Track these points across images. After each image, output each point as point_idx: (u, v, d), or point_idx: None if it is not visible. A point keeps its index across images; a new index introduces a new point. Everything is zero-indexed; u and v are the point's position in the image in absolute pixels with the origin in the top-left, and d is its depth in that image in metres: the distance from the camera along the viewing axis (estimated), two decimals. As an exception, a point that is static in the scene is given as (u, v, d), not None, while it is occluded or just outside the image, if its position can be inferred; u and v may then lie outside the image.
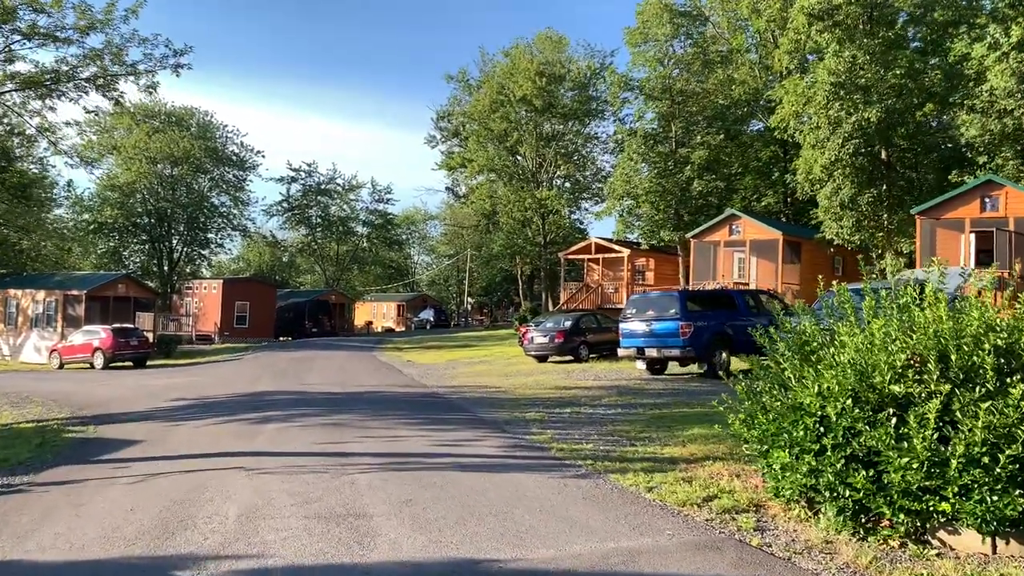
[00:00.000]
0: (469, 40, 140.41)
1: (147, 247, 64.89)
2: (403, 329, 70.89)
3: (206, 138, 63.73)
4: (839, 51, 25.61)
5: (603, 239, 40.94)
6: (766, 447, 6.95)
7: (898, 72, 26.78)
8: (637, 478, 8.46)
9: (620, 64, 43.13)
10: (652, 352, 18.98)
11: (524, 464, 9.51)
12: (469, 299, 77.68)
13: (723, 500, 7.39)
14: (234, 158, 65.76)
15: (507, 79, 42.79)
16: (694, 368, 20.20)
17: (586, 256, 41.34)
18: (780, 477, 6.74)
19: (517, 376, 21.51)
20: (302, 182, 69.56)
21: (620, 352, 19.85)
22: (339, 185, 71.50)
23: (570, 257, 42.66)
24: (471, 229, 70.14)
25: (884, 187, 27.56)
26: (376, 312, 78.65)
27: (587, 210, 49.49)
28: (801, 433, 6.44)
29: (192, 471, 9.58)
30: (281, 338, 52.67)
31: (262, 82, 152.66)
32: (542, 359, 25.39)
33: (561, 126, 44.50)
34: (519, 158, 45.48)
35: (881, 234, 28.14)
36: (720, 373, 18.73)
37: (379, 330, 71.05)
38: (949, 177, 28.44)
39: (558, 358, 25.23)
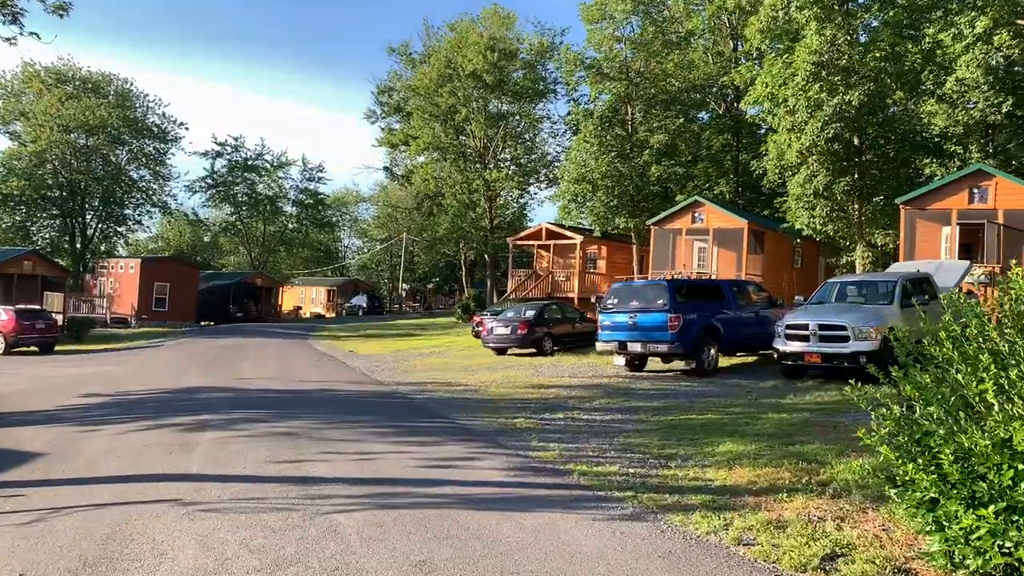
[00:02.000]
0: (408, 16, 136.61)
1: (58, 222, 60.27)
2: (334, 315, 67.86)
3: (125, 107, 59.43)
4: (821, 28, 24.15)
5: (555, 224, 39.01)
6: (932, 496, 4.99)
7: (877, 55, 25.56)
8: (709, 521, 6.49)
9: (573, 43, 41.21)
10: (636, 347, 17.10)
11: (548, 497, 7.45)
12: (404, 285, 74.97)
13: (856, 563, 5.43)
14: (155, 129, 61.60)
15: (455, 53, 40.36)
16: (676, 365, 18.41)
17: (536, 242, 39.36)
18: (960, 541, 4.81)
19: (481, 371, 19.40)
20: (228, 157, 65.75)
21: (599, 346, 17.91)
22: (267, 162, 67.91)
23: (519, 243, 40.62)
24: (409, 212, 67.46)
25: (855, 175, 26.29)
26: (305, 297, 75.30)
27: (534, 195, 47.54)
28: (1008, 483, 4.53)
29: (110, 504, 7.23)
30: (203, 323, 49.28)
31: (185, 49, 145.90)
32: (501, 351, 23.34)
33: (510, 106, 42.32)
34: (465, 138, 43.12)
35: (851, 225, 26.91)
36: (707, 370, 17.20)
37: (308, 316, 67.89)
38: (919, 166, 27.44)
39: (519, 351, 23.21)
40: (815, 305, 16.78)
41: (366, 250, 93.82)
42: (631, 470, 8.48)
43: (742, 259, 30.21)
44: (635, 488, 7.64)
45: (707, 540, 6.09)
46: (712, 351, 17.14)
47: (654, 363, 18.72)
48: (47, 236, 60.85)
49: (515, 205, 45.00)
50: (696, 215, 30.67)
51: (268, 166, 68.01)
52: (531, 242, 39.85)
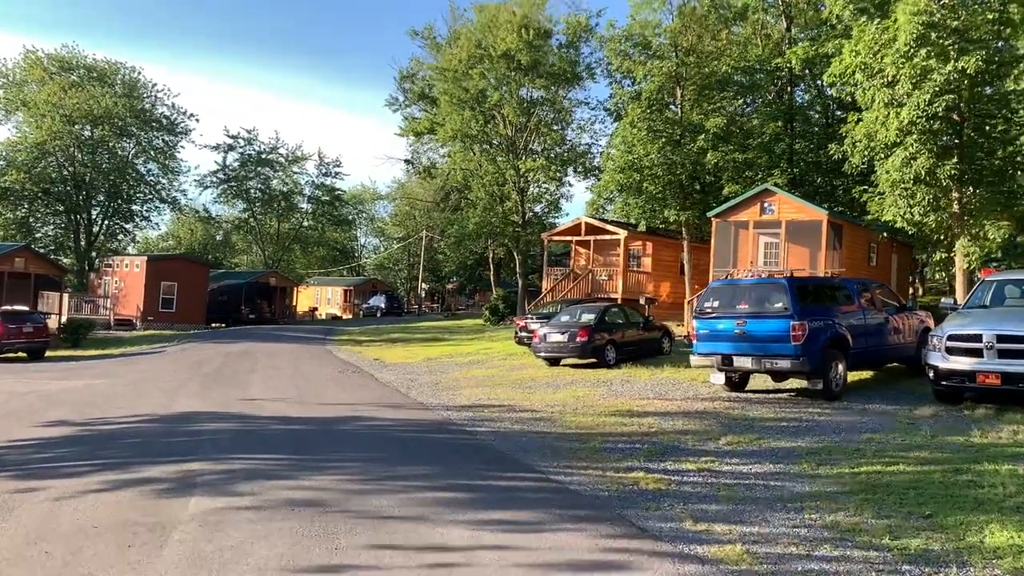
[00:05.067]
0: (427, 2, 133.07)
1: (62, 219, 57.10)
2: (351, 316, 64.58)
3: (132, 97, 56.17)
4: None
5: (596, 219, 35.38)
6: None
7: (989, 17, 21.85)
8: None
9: (616, 20, 37.61)
10: (745, 363, 13.52)
11: None
12: (424, 285, 71.50)
13: None
14: (164, 121, 58.31)
15: (486, 33, 36.85)
16: (790, 383, 14.84)
17: (574, 238, 35.72)
18: None
19: (540, 388, 15.88)
20: (240, 151, 62.27)
21: (694, 361, 14.31)
22: (282, 156, 64.45)
23: (555, 239, 37.03)
24: (430, 207, 64.03)
25: (955, 159, 22.58)
26: (320, 297, 72.08)
27: (569, 187, 43.99)
28: None
29: None
30: (213, 325, 46.05)
31: (198, 40, 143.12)
32: (554, 362, 19.83)
33: (544, 91, 38.69)
34: (496, 125, 39.56)
35: (951, 216, 23.19)
36: (835, 391, 13.63)
37: (324, 317, 64.60)
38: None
39: (576, 361, 19.70)
40: (977, 309, 13.16)
41: (383, 249, 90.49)
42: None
43: (819, 256, 26.60)
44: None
45: None
46: (840, 367, 13.53)
47: (756, 380, 15.18)
48: (50, 233, 57.73)
49: (549, 198, 41.33)
50: (766, 205, 27.04)
51: (283, 160, 64.66)
52: (568, 238, 36.25)
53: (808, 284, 14.64)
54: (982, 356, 11.80)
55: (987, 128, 23.36)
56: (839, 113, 38.80)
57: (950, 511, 6.87)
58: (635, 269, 35.46)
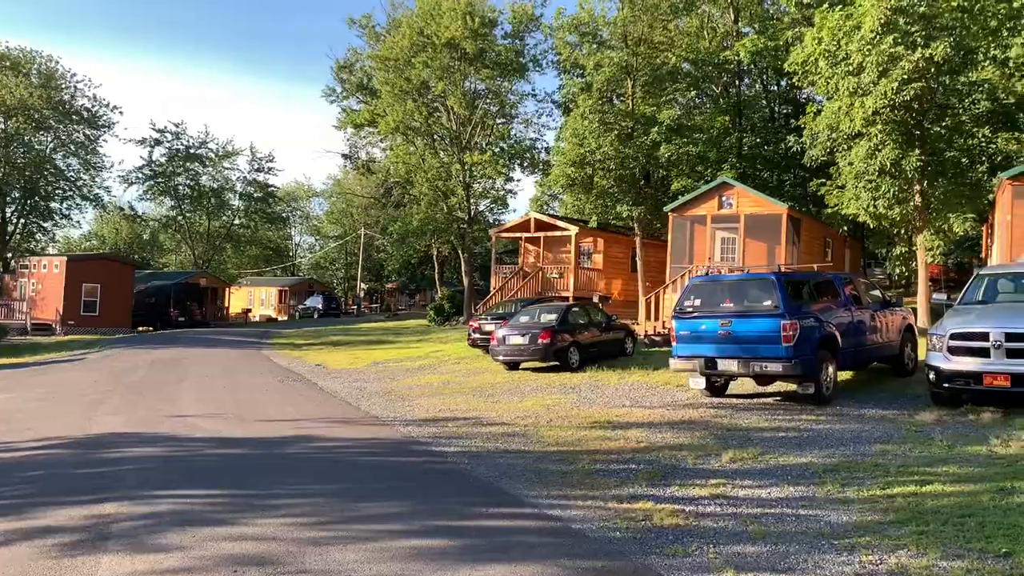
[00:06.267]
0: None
1: (-29, 218, 53.45)
2: (286, 318, 62.23)
3: (50, 88, 52.83)
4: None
5: (546, 215, 34.22)
6: None
7: (954, 3, 21.33)
8: None
9: (555, 13, 36.23)
10: (731, 367, 12.40)
11: None
12: (363, 285, 69.39)
13: None
14: (85, 113, 54.98)
15: (428, 20, 35.25)
16: (776, 386, 13.82)
17: (523, 234, 34.44)
18: None
19: (504, 396, 14.56)
20: (168, 145, 59.28)
21: (674, 364, 13.14)
22: (212, 151, 61.64)
23: (503, 235, 35.73)
24: (369, 203, 62.00)
25: (918, 150, 22.05)
26: (254, 298, 69.45)
27: (517, 181, 42.65)
28: None
29: None
30: (140, 328, 43.46)
31: (118, 30, 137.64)
32: (513, 366, 18.52)
33: (490, 82, 37.28)
34: (440, 115, 38.00)
35: (914, 209, 22.68)
36: (826, 396, 12.63)
37: (258, 319, 62.12)
38: (986, 138, 23.34)
39: (536, 364, 18.43)
40: (977, 306, 12.29)
41: (319, 248, 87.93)
42: None
43: (778, 250, 25.89)
44: None
45: None
46: (830, 369, 12.54)
47: (737, 384, 14.14)
48: (-41, 233, 54.02)
49: (496, 193, 39.90)
50: (724, 199, 26.21)
51: (213, 155, 61.82)
52: (517, 234, 34.97)
53: (796, 280, 13.59)
54: (989, 356, 10.90)
55: (948, 119, 22.91)
56: (785, 110, 38.52)
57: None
58: (586, 266, 34.43)
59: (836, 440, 9.97)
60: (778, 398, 13.25)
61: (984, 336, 10.97)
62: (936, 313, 23.54)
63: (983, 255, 28.95)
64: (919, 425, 10.67)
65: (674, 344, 13.24)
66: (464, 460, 9.18)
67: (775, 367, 11.97)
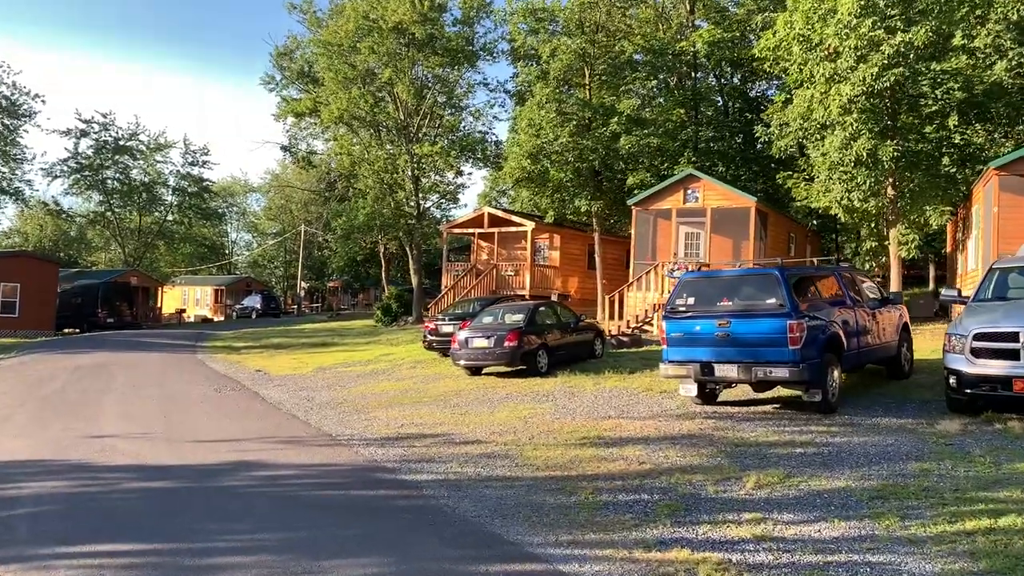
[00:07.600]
0: None
1: None
2: (223, 319, 59.59)
3: (-37, 74, 49.39)
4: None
5: (500, 209, 32.76)
6: None
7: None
8: None
9: (503, 1, 34.82)
10: (730, 372, 11.09)
11: None
12: (303, 284, 66.89)
13: None
14: (3, 102, 51.50)
15: (374, 3, 33.40)
16: (774, 392, 12.60)
17: (476, 230, 32.91)
18: None
19: (473, 407, 13.03)
20: (95, 137, 55.94)
21: (665, 370, 11.79)
22: (143, 143, 58.47)
23: (455, 231, 34.12)
24: (309, 199, 59.65)
25: (894, 139, 21.22)
26: (188, 298, 66.54)
27: (468, 174, 41.01)
28: None
29: None
30: (66, 331, 40.71)
31: (42, 15, 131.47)
32: (476, 371, 17.00)
33: (440, 70, 35.59)
34: (387, 106, 36.15)
35: (889, 202, 21.85)
36: (832, 403, 11.43)
37: (193, 320, 59.34)
38: (955, 128, 22.67)
39: (500, 369, 16.95)
40: (998, 302, 11.20)
41: (257, 245, 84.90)
42: None
43: (745, 245, 24.89)
44: None
45: None
46: (836, 374, 11.34)
47: (729, 390, 12.88)
48: None
49: (446, 187, 38.20)
50: (690, 192, 25.11)
51: (144, 148, 58.64)
52: (470, 230, 33.45)
53: (800, 275, 12.36)
54: (1019, 359, 9.82)
55: (921, 109, 22.11)
56: (738, 104, 37.75)
57: None
58: (542, 264, 33.10)
59: (863, 457, 8.73)
60: (776, 405, 12.01)
61: (1015, 336, 9.87)
62: (930, 311, 22.93)
63: (948, 249, 28.48)
64: (946, 436, 9.52)
65: (664, 347, 11.89)
66: (444, 493, 7.63)
67: (781, 372, 10.71)
